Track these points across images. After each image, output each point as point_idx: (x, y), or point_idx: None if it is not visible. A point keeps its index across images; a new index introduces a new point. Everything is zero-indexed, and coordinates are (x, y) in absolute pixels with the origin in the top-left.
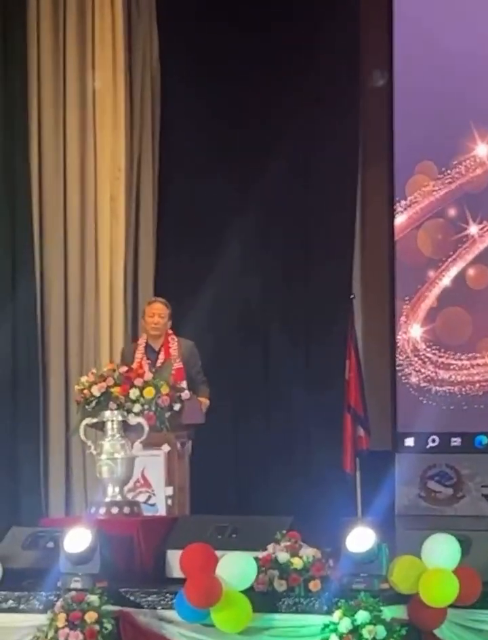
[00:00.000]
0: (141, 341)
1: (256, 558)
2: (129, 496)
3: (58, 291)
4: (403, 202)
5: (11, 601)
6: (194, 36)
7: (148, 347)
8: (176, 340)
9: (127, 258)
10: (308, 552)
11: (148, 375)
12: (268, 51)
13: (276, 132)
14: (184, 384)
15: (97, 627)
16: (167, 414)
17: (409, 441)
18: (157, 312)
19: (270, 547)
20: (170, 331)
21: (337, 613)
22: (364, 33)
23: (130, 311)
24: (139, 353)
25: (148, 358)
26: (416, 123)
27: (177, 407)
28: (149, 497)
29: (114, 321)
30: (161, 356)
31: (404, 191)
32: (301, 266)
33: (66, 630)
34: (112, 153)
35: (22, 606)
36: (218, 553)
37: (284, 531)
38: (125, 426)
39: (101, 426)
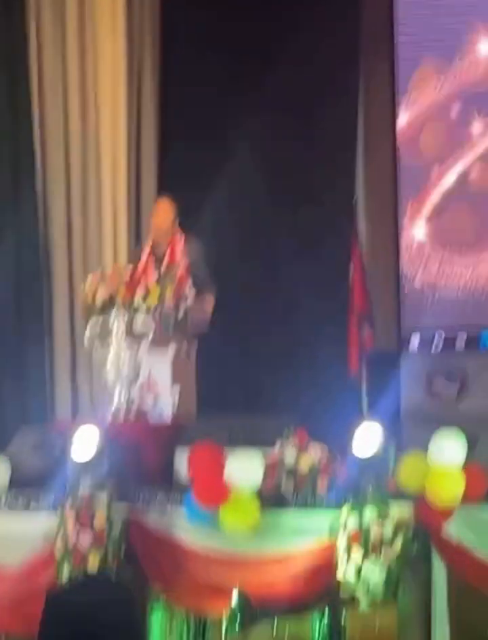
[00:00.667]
0: (149, 243)
1: (264, 456)
2: (136, 397)
3: (60, 192)
4: (406, 102)
5: (20, 499)
6: None
7: (154, 250)
8: (182, 240)
9: (129, 158)
10: (316, 449)
11: (154, 276)
12: None
13: (277, 24)
14: (189, 289)
15: (106, 527)
16: (172, 320)
17: (415, 341)
18: (162, 210)
19: (279, 444)
20: (177, 234)
21: (344, 510)
22: None
23: (133, 212)
24: (145, 255)
25: (154, 262)
26: (419, 19)
27: (181, 313)
28: (156, 398)
29: (118, 221)
30: (166, 259)
31: (408, 89)
32: (304, 169)
33: (76, 529)
34: (113, 55)
35: (32, 504)
36: (226, 451)
37: (292, 429)
38: (130, 329)
39: (106, 336)
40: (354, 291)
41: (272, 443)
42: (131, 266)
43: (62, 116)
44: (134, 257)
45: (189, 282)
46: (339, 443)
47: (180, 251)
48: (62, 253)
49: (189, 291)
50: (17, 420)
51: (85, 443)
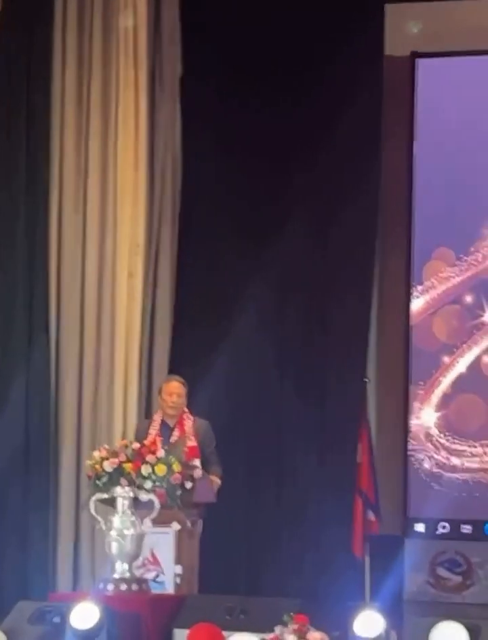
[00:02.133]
0: (157, 417)
1: None
2: (138, 573)
3: (73, 364)
4: (420, 287)
5: None
6: (216, 117)
7: (163, 424)
8: (191, 418)
9: (142, 334)
10: (316, 636)
11: (161, 452)
12: (287, 131)
13: (295, 211)
14: (197, 462)
15: None
16: (179, 492)
17: (419, 527)
18: (175, 391)
19: (278, 629)
20: (186, 410)
21: None
22: (386, 118)
23: (144, 387)
24: (154, 429)
25: (161, 435)
26: (434, 210)
27: (188, 485)
28: (157, 575)
29: (128, 396)
30: (175, 434)
31: (421, 276)
32: (316, 348)
33: None
34: (131, 228)
35: None
36: (225, 633)
37: (292, 614)
38: (135, 503)
39: (111, 502)
40: (361, 474)
41: (272, 627)
42: (139, 440)
43: (79, 283)
44: (142, 430)
45: (197, 458)
46: (340, 627)
47: (189, 427)
48: (71, 420)
49: (196, 466)
50: (18, 591)
51: (84, 615)
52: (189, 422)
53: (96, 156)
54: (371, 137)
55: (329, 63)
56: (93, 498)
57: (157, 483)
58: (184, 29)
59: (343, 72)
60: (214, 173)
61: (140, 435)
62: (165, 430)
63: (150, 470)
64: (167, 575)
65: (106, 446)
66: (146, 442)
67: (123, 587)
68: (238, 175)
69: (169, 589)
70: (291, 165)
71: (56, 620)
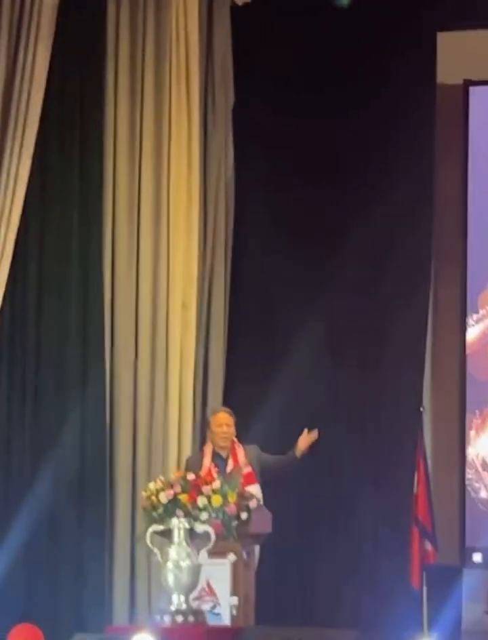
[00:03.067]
0: (208, 450)
1: None
2: (194, 605)
3: (127, 395)
4: (475, 315)
5: None
6: (268, 146)
7: (215, 455)
8: (241, 446)
9: (196, 366)
10: None
11: (217, 483)
12: (340, 158)
13: (348, 239)
14: (253, 489)
15: None
16: (234, 523)
17: (477, 556)
18: (225, 422)
19: None
20: (234, 439)
21: None
22: (440, 145)
23: (199, 418)
24: (208, 460)
25: (216, 466)
26: None
27: (244, 516)
28: (214, 606)
29: (183, 427)
30: (230, 464)
31: (476, 305)
32: (371, 377)
33: None
34: (185, 260)
35: None
36: None
37: None
38: (191, 534)
39: (167, 533)
40: (417, 503)
41: None
42: (192, 472)
43: (133, 313)
44: (193, 463)
45: (255, 482)
46: None
47: (242, 456)
48: (126, 451)
49: (252, 497)
50: (74, 623)
51: None
52: (240, 450)
53: (149, 187)
54: (425, 163)
55: (382, 88)
56: (150, 530)
57: (213, 514)
58: (235, 58)
59: (396, 99)
60: (266, 202)
61: (193, 467)
62: (219, 460)
63: (205, 501)
64: (223, 607)
65: (162, 477)
66: (201, 473)
67: (180, 619)
68: (290, 204)
69: (226, 620)
70: (345, 192)
71: None
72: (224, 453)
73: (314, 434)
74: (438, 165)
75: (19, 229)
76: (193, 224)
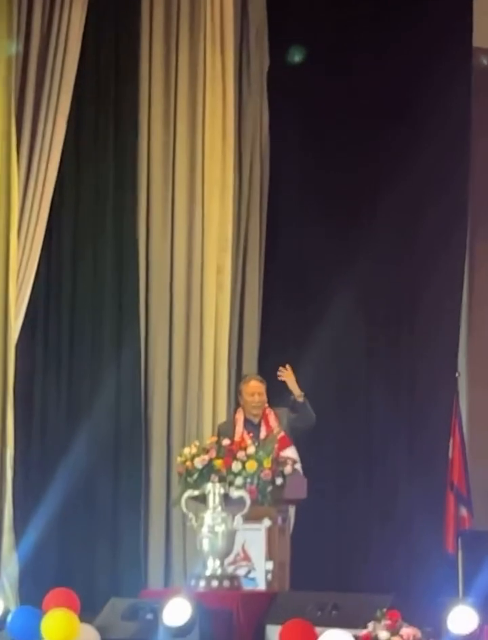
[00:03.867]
0: (239, 416)
1: (356, 637)
2: (229, 570)
3: (163, 360)
4: None
5: None
6: (303, 111)
7: (247, 422)
8: (272, 412)
9: (231, 330)
10: (408, 632)
11: (251, 449)
12: (376, 125)
13: (383, 205)
14: (290, 452)
15: None
16: (269, 488)
17: None
18: (256, 391)
19: (371, 625)
20: (266, 405)
21: None
22: (476, 115)
23: (234, 382)
24: (240, 427)
25: (249, 433)
26: None
27: (279, 481)
28: (249, 571)
29: (218, 392)
30: (263, 430)
31: None
32: (406, 342)
33: None
34: (220, 224)
35: None
36: (317, 629)
37: (384, 610)
38: (226, 499)
39: (202, 499)
40: (453, 468)
41: (365, 623)
42: (227, 436)
43: (168, 278)
44: (225, 431)
45: (290, 445)
46: (433, 623)
47: (273, 420)
48: (161, 416)
49: (287, 462)
50: (110, 588)
51: (176, 612)
52: (272, 416)
53: (184, 152)
54: (460, 134)
55: (417, 54)
56: (185, 495)
57: (248, 480)
58: (270, 22)
59: (430, 58)
60: (301, 167)
61: (225, 434)
62: (251, 427)
63: (240, 466)
64: (259, 572)
65: (197, 443)
66: (235, 438)
67: (215, 584)
68: (325, 169)
69: (261, 585)
70: (379, 159)
71: (149, 616)
72: (255, 420)
73: (288, 369)
74: (475, 135)
75: (54, 194)
76: (228, 188)
